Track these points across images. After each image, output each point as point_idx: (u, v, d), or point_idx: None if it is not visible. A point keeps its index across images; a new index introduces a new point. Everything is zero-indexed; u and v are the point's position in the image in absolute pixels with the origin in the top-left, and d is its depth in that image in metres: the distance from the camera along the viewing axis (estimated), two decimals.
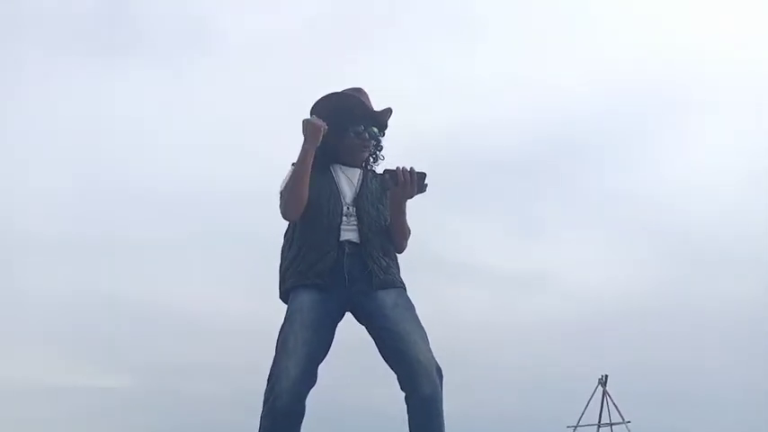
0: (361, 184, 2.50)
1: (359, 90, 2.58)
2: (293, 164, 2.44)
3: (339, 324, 2.36)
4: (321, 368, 2.26)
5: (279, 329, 2.28)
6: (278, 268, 2.46)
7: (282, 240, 2.49)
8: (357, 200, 2.45)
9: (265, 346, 2.30)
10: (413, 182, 2.35)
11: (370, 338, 2.34)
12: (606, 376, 10.99)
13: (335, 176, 2.49)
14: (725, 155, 15.37)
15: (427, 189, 2.38)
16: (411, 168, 2.35)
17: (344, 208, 2.42)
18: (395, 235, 2.47)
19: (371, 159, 2.60)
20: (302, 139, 2.40)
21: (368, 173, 2.57)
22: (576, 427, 10.95)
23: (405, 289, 2.43)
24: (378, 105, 2.57)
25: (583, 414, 10.90)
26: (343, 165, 2.53)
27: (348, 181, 2.50)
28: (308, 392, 2.20)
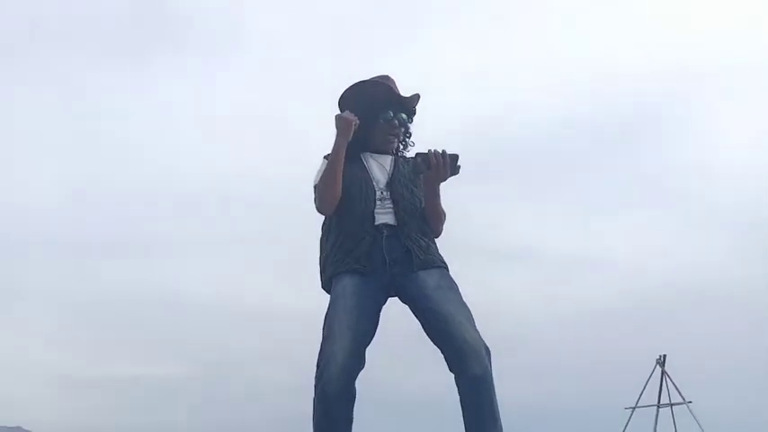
0: (394, 169, 2.51)
1: (386, 77, 2.58)
2: (325, 157, 2.48)
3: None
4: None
5: (324, 315, 2.31)
6: (318, 260, 2.49)
7: (321, 232, 2.52)
8: (391, 184, 2.46)
9: (317, 332, 2.33)
10: (445, 164, 2.34)
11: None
12: (664, 356, 10.77)
13: (366, 164, 2.50)
14: None
15: (460, 171, 2.37)
16: (443, 151, 2.35)
17: (378, 192, 2.43)
18: (430, 219, 2.47)
19: (401, 146, 2.60)
20: (335, 132, 2.43)
21: (399, 158, 2.57)
22: (634, 408, 10.78)
23: (447, 268, 2.42)
24: (413, 91, 2.56)
25: (641, 395, 10.73)
26: (374, 152, 2.54)
27: (380, 167, 2.51)
28: (357, 375, 2.22)
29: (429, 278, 2.34)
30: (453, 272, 2.44)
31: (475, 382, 2.19)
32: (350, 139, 2.40)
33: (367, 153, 2.53)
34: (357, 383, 2.24)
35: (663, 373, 10.71)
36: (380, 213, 2.41)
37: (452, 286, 2.37)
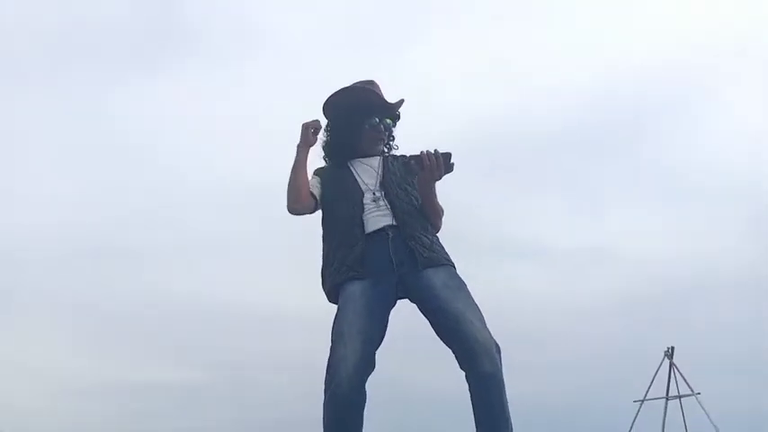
0: (383, 169, 2.53)
1: (370, 82, 2.61)
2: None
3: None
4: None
5: (333, 320, 2.32)
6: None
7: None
8: (383, 185, 2.48)
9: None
10: (439, 164, 2.36)
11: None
12: (672, 348, 10.76)
13: (354, 170, 2.53)
14: None
15: (454, 168, 2.38)
16: (435, 150, 2.36)
17: (369, 195, 2.45)
18: (429, 215, 2.48)
19: (386, 149, 2.64)
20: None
21: (387, 158, 2.60)
22: (642, 401, 10.78)
23: (453, 266, 2.43)
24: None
25: (650, 387, 10.72)
26: (361, 157, 2.57)
27: (368, 170, 2.53)
28: (367, 379, 2.23)
29: (436, 277, 2.35)
30: (463, 269, 2.45)
31: (485, 379, 2.20)
32: (311, 143, 2.48)
33: (355, 160, 2.56)
34: (367, 385, 2.24)
35: (671, 365, 10.70)
36: (378, 216, 2.42)
37: (461, 284, 2.37)
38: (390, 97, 2.60)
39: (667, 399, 10.76)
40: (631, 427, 10.70)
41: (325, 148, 2.62)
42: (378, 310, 2.32)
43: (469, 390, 2.24)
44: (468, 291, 2.37)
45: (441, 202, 2.53)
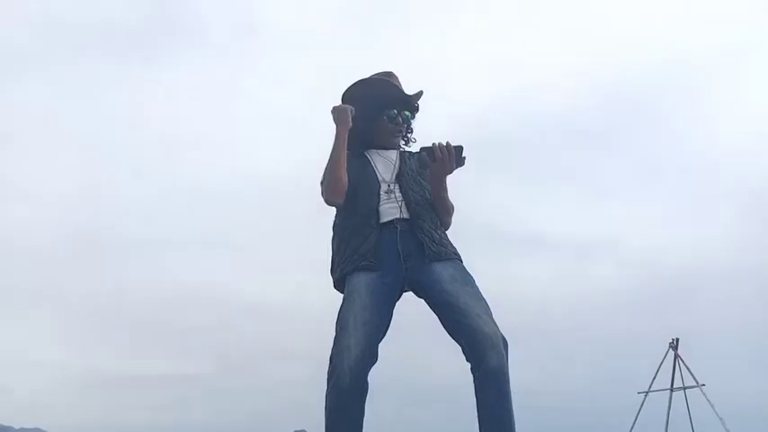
0: (400, 163, 2.52)
1: (389, 74, 2.60)
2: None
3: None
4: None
5: (338, 311, 2.32)
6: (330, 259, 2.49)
7: (331, 232, 2.52)
8: (398, 178, 2.47)
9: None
10: (451, 157, 2.36)
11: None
12: (677, 339, 10.74)
13: (371, 160, 2.51)
14: None
15: (465, 162, 2.38)
16: (447, 143, 2.36)
17: (385, 186, 2.44)
18: (438, 211, 2.48)
19: (403, 142, 2.62)
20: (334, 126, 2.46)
21: (404, 153, 2.59)
22: (647, 392, 10.77)
23: (461, 260, 2.43)
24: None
25: (654, 379, 10.70)
26: (379, 149, 2.55)
27: (385, 162, 2.52)
28: (370, 370, 2.23)
29: (444, 270, 2.35)
30: (467, 262, 2.44)
31: (491, 373, 2.20)
32: (349, 125, 2.43)
33: (372, 150, 2.54)
34: (370, 377, 2.24)
35: (676, 356, 10.68)
36: (389, 207, 2.42)
37: (468, 278, 2.37)
38: (409, 89, 2.58)
39: (672, 390, 10.74)
40: (636, 419, 10.70)
41: None
42: (383, 302, 2.32)
43: (474, 383, 2.24)
44: (475, 285, 2.36)
45: (452, 200, 2.51)
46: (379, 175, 2.48)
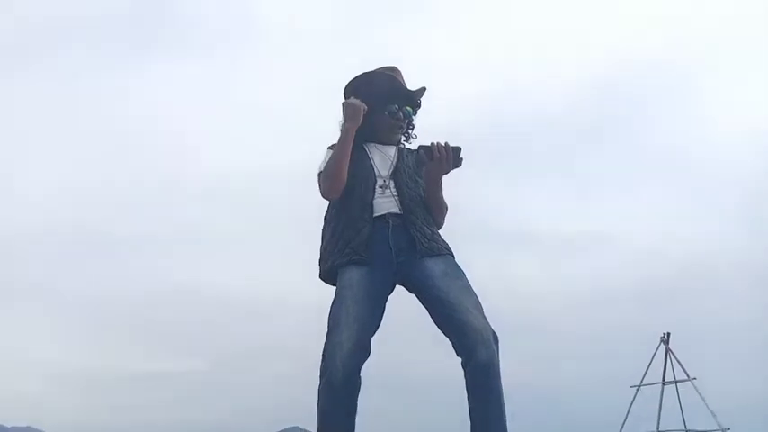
0: (397, 160, 2.52)
1: (393, 69, 2.58)
2: (329, 147, 2.49)
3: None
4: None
5: (330, 306, 2.32)
6: (319, 249, 2.49)
7: (323, 222, 2.52)
8: (395, 174, 2.47)
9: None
10: (448, 157, 2.36)
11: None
12: (668, 334, 10.79)
13: (369, 154, 2.51)
14: None
15: (462, 163, 2.38)
16: (446, 143, 2.36)
17: (380, 181, 2.44)
18: (432, 210, 2.48)
19: (404, 138, 2.61)
20: (341, 120, 2.46)
21: (403, 150, 2.58)
22: (639, 386, 10.82)
23: (452, 256, 2.43)
24: (427, 75, 2.58)
25: (646, 373, 10.75)
26: (378, 143, 2.54)
27: (383, 157, 2.51)
28: (363, 365, 2.23)
29: (435, 266, 2.35)
30: (460, 257, 2.44)
31: (482, 368, 2.20)
32: (358, 124, 2.41)
33: (371, 144, 2.53)
34: (363, 371, 2.24)
35: (667, 350, 10.74)
36: (383, 202, 2.42)
37: (459, 273, 2.37)
38: (412, 85, 2.57)
39: (663, 384, 10.80)
40: (628, 413, 10.75)
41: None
42: (375, 297, 2.32)
43: (465, 377, 2.24)
44: (466, 280, 2.37)
45: (447, 198, 2.51)
46: (375, 170, 2.47)
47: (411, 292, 2.40)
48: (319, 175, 2.47)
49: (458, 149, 2.37)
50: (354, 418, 2.24)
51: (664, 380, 10.72)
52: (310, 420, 2.29)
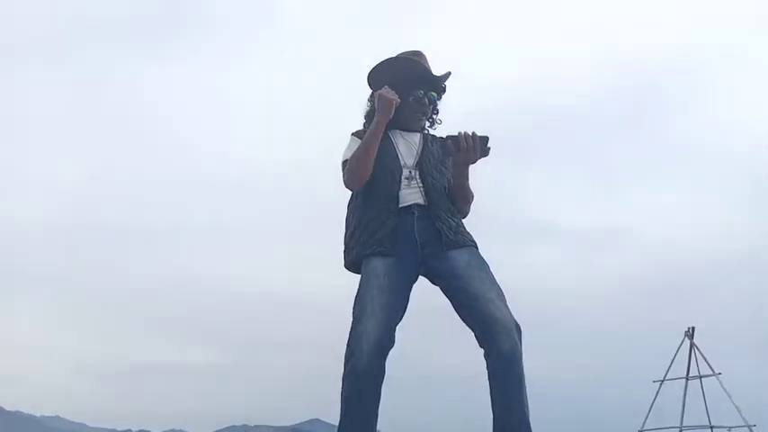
0: (423, 148, 2.50)
1: (418, 53, 2.55)
2: (353, 134, 2.49)
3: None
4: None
5: (355, 295, 2.33)
6: (342, 237, 2.49)
7: (346, 210, 2.51)
8: (420, 163, 2.45)
9: (344, 318, 2.34)
10: (475, 147, 2.35)
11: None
12: (693, 328, 10.67)
13: (395, 142, 2.49)
14: None
15: (490, 153, 2.37)
16: (473, 133, 2.35)
17: (406, 172, 2.43)
18: (458, 199, 2.47)
19: (428, 123, 2.59)
20: (367, 108, 2.47)
21: (427, 136, 2.56)
22: (662, 381, 10.71)
23: (476, 247, 2.42)
24: (444, 66, 2.53)
25: (669, 368, 10.65)
26: (402, 130, 2.52)
27: (408, 145, 2.50)
28: (388, 354, 2.24)
29: (459, 257, 2.35)
30: (482, 248, 2.43)
31: (504, 358, 2.20)
32: (390, 117, 2.38)
33: (396, 130, 2.51)
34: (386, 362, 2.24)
35: (691, 345, 10.61)
36: (408, 193, 2.41)
37: (482, 264, 2.37)
38: (437, 70, 2.54)
39: (688, 379, 10.67)
40: (651, 407, 10.66)
41: (367, 116, 2.55)
42: (400, 287, 2.32)
43: (487, 368, 2.24)
44: (489, 271, 2.36)
45: (472, 188, 2.50)
46: (401, 160, 2.45)
47: (434, 284, 2.40)
48: (344, 163, 2.46)
49: (485, 139, 2.36)
50: (378, 406, 2.25)
51: (688, 375, 10.60)
52: (330, 413, 2.28)
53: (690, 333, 10.65)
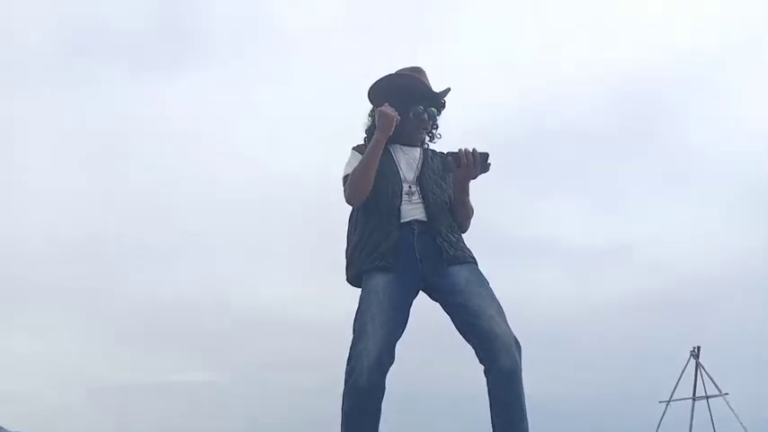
0: (423, 163, 2.52)
1: (417, 69, 2.58)
2: (354, 148, 2.51)
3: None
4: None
5: (355, 312, 2.33)
6: (344, 252, 2.50)
7: (347, 224, 2.53)
8: (420, 179, 2.47)
9: (343, 335, 2.35)
10: (476, 163, 2.36)
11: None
12: (699, 348, 10.58)
13: (395, 157, 2.51)
14: None
15: (490, 168, 2.39)
16: (473, 149, 2.37)
17: (406, 187, 2.44)
18: (458, 215, 2.48)
19: (428, 137, 2.61)
20: (367, 123, 2.50)
21: (427, 151, 2.58)
22: (668, 401, 10.61)
23: (476, 263, 2.43)
24: (442, 82, 2.56)
25: (675, 388, 10.54)
26: (402, 145, 2.54)
27: (409, 160, 2.51)
28: (388, 370, 2.24)
29: (459, 273, 2.35)
30: (485, 267, 2.44)
31: (504, 375, 2.19)
32: (390, 134, 2.40)
33: (396, 145, 2.53)
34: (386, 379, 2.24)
35: (697, 365, 10.51)
36: (410, 209, 2.42)
37: (482, 281, 2.38)
38: (436, 86, 2.57)
39: (694, 399, 10.56)
40: (657, 429, 10.52)
41: (368, 131, 2.58)
42: (400, 303, 2.33)
43: (487, 385, 2.23)
44: (489, 288, 2.37)
45: (473, 203, 2.51)
46: (402, 175, 2.47)
47: (434, 300, 2.40)
48: (344, 179, 2.47)
49: (485, 155, 2.38)
50: (378, 423, 2.24)
51: (694, 395, 10.49)
52: (331, 430, 2.26)
53: (695, 353, 10.56)
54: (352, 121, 2.62)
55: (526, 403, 2.21)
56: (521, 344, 2.24)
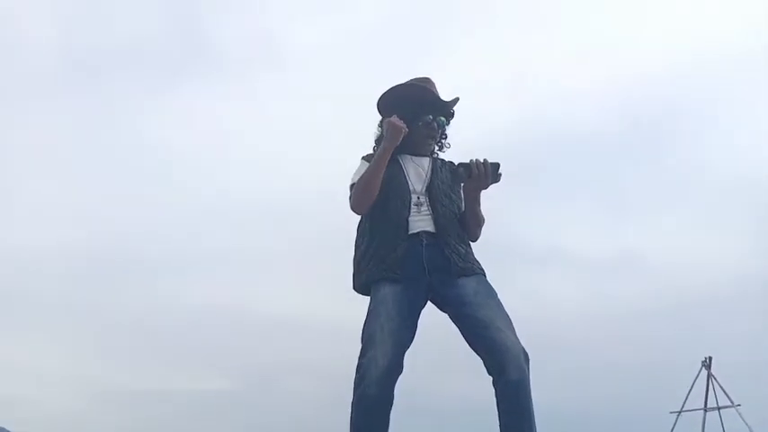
0: (432, 173, 2.52)
1: (426, 80, 2.59)
2: (364, 157, 2.52)
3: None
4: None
5: (364, 322, 2.34)
6: (352, 260, 2.51)
7: (356, 233, 2.53)
8: (429, 189, 2.47)
9: (352, 344, 2.36)
10: (487, 173, 2.37)
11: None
12: (710, 358, 10.48)
13: (404, 167, 2.51)
14: None
15: (501, 178, 2.39)
16: (485, 160, 2.37)
17: (414, 197, 2.44)
18: (469, 224, 2.48)
19: (437, 147, 2.62)
20: (377, 133, 2.51)
21: (436, 161, 2.59)
22: (680, 412, 10.50)
23: (485, 275, 2.43)
24: (449, 93, 2.57)
25: (686, 398, 10.44)
26: (411, 155, 2.54)
27: (417, 170, 2.52)
28: (396, 380, 2.24)
29: (467, 284, 2.35)
30: (493, 277, 2.44)
31: (512, 386, 2.19)
32: (398, 144, 2.40)
33: (405, 155, 2.53)
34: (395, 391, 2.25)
35: (709, 375, 10.41)
36: (418, 220, 2.42)
37: (491, 292, 2.37)
38: (445, 95, 2.58)
39: (706, 410, 10.45)
40: None
41: (377, 141, 2.58)
42: (408, 313, 2.33)
43: (496, 396, 2.23)
44: (498, 299, 2.37)
45: (483, 213, 2.51)
46: (410, 185, 2.47)
47: (442, 311, 2.40)
48: (351, 187, 2.47)
49: (496, 165, 2.38)
50: None
51: (706, 406, 10.39)
52: None
53: (707, 363, 10.46)
54: (366, 135, 2.64)
55: (535, 414, 2.21)
56: (529, 355, 2.24)
